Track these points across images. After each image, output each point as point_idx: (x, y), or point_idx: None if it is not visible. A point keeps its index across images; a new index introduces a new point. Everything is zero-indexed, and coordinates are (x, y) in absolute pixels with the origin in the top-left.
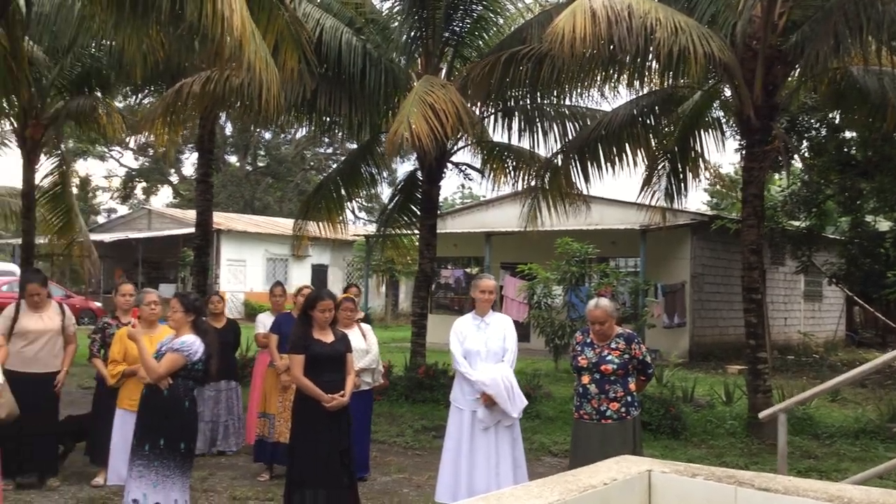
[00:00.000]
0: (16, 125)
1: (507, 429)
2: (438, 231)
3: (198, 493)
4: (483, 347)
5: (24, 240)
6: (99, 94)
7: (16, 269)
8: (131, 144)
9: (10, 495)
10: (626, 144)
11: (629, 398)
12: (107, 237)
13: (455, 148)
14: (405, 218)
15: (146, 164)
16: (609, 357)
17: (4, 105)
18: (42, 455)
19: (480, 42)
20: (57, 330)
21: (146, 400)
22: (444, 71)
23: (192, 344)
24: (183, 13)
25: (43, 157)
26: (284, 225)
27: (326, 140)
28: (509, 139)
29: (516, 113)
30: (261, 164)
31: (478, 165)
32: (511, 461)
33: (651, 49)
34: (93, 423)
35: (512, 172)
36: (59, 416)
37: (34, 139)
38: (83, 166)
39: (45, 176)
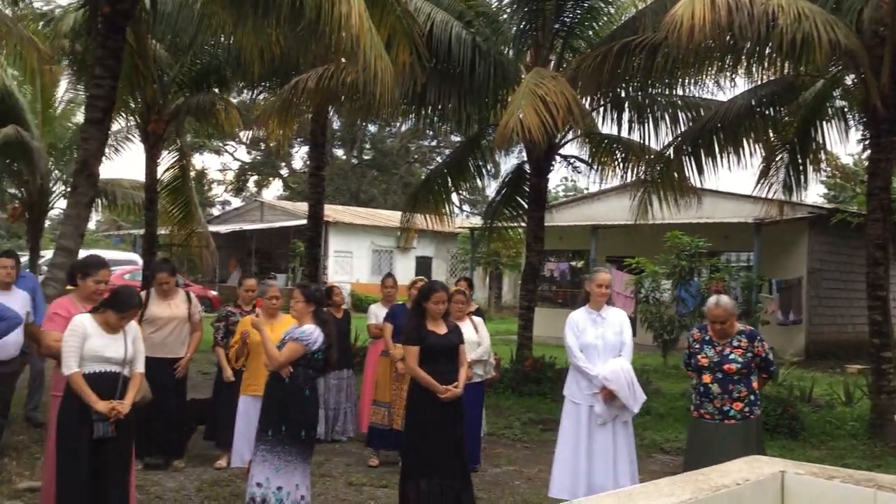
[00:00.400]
0: (139, 121)
1: (623, 424)
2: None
3: (315, 477)
4: (600, 341)
5: (147, 230)
6: (216, 91)
7: (137, 258)
8: (244, 139)
9: (139, 475)
10: (743, 136)
11: (752, 397)
12: (222, 228)
13: (563, 140)
14: (511, 210)
15: (258, 157)
16: (732, 356)
17: (130, 102)
18: (168, 437)
19: (591, 32)
20: (184, 317)
21: (269, 387)
22: (553, 62)
23: (312, 333)
24: (302, 11)
25: (164, 152)
26: (389, 217)
27: (430, 133)
28: (619, 131)
29: (627, 104)
30: (366, 157)
31: (586, 157)
32: (627, 457)
33: (772, 37)
34: (215, 407)
35: (620, 164)
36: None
37: (156, 134)
38: (199, 160)
39: (167, 169)
